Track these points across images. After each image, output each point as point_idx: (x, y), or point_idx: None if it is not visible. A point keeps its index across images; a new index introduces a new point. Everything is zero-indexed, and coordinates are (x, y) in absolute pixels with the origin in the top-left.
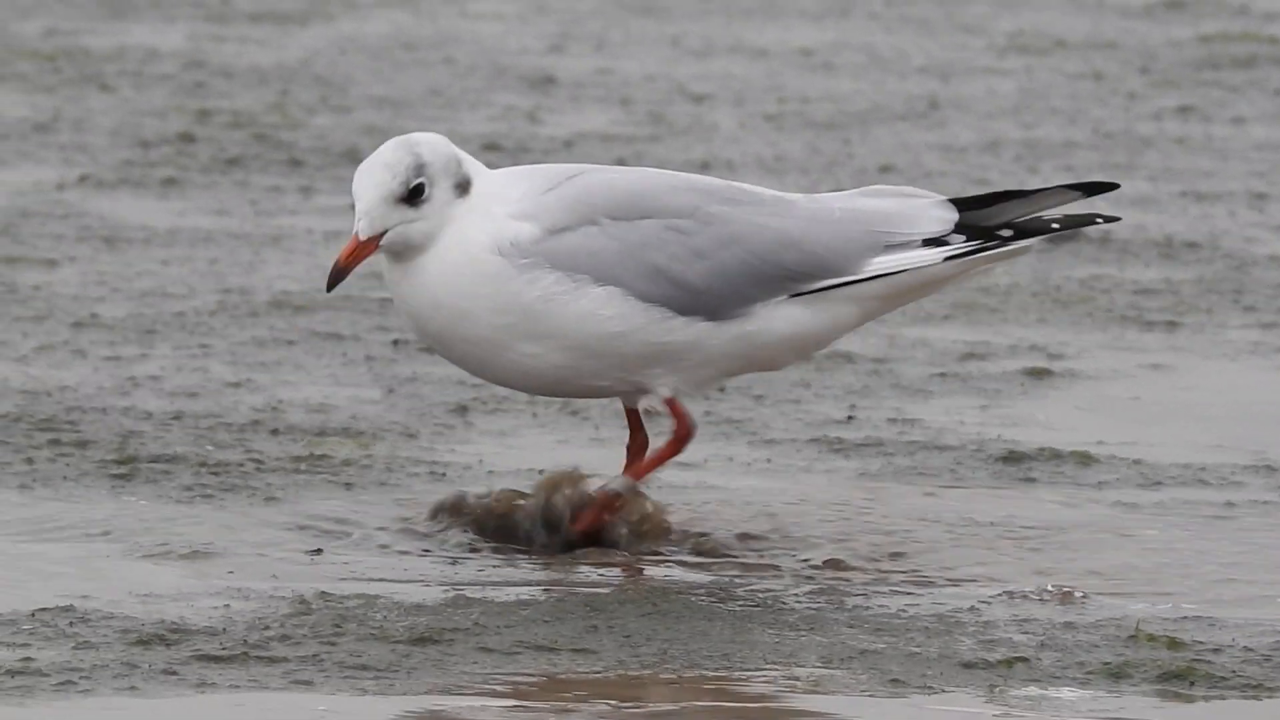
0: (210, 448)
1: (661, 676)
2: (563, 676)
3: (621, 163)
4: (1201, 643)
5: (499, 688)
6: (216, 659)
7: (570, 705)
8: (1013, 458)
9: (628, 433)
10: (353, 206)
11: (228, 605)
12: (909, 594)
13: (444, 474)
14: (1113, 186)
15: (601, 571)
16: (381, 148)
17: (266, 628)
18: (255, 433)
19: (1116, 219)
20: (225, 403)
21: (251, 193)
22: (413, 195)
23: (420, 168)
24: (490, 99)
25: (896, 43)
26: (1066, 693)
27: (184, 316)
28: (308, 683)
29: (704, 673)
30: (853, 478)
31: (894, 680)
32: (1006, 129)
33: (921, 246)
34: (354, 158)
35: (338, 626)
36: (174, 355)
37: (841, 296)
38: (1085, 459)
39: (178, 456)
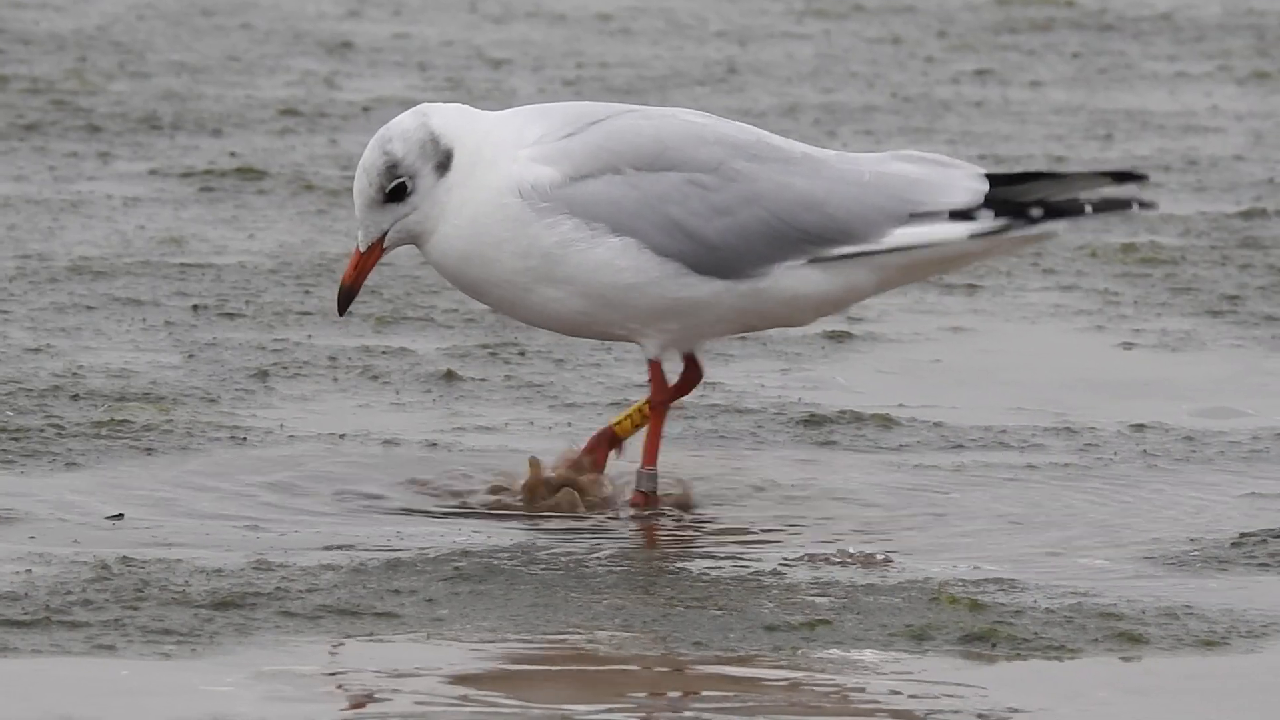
0: (10, 413)
1: (464, 639)
2: (366, 640)
3: None
4: (1003, 604)
5: (302, 651)
6: (18, 624)
7: (372, 668)
8: (814, 421)
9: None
10: None
11: (29, 570)
12: (711, 557)
13: (245, 438)
14: (1143, 178)
15: (403, 534)
16: (366, 148)
17: (68, 593)
18: (55, 398)
19: (1154, 205)
20: (25, 369)
21: (50, 159)
22: (396, 195)
23: (393, 167)
24: (288, 64)
25: (694, 8)
26: (869, 655)
27: None
28: (110, 647)
29: (506, 636)
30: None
31: (696, 643)
32: (805, 93)
33: (949, 219)
34: (152, 123)
35: (139, 591)
36: None
37: (860, 264)
38: (886, 422)
39: None
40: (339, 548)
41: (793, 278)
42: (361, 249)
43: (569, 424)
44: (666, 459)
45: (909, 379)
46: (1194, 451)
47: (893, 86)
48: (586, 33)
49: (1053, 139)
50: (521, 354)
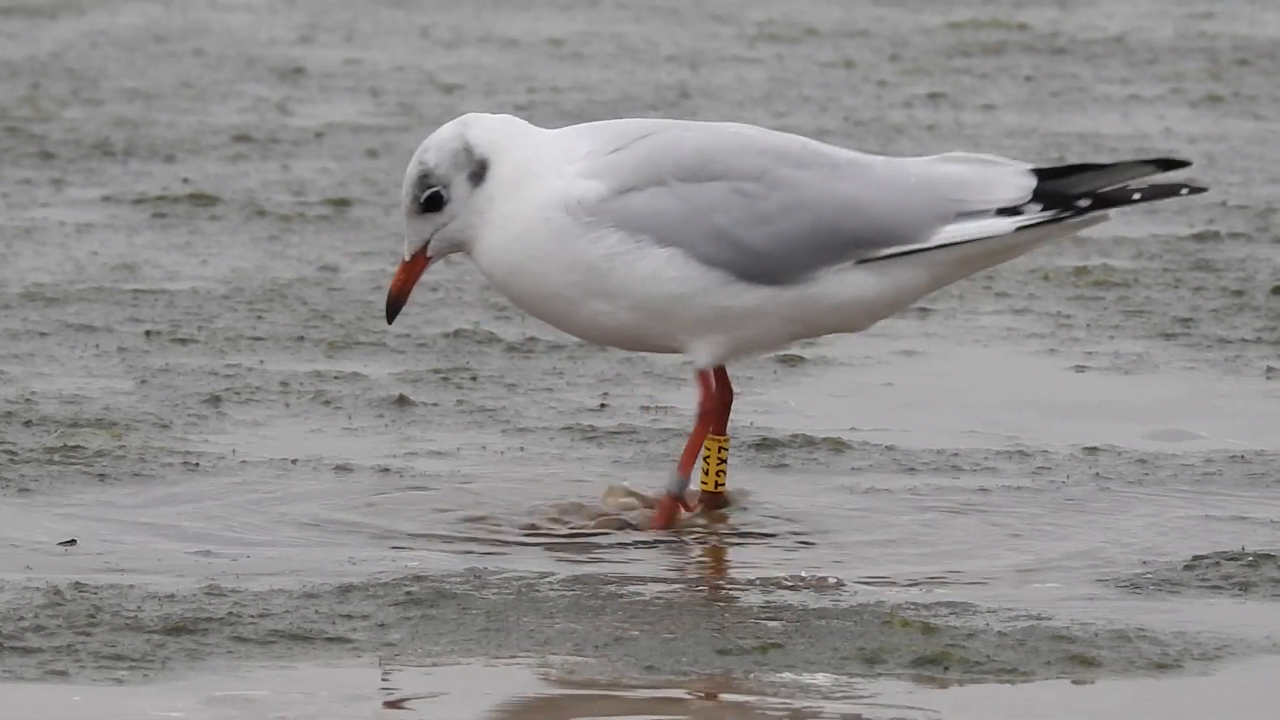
0: None
1: (416, 664)
2: (318, 664)
3: (372, 154)
4: (956, 627)
5: (254, 676)
6: None
7: (324, 693)
8: (766, 445)
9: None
10: None
11: None
12: (663, 581)
13: (197, 464)
14: (1185, 164)
15: (355, 559)
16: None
17: (20, 619)
18: (8, 424)
19: (1204, 189)
20: None
21: (3, 185)
22: (431, 204)
23: (426, 177)
24: (240, 90)
25: (646, 32)
26: (821, 678)
27: None
28: (62, 673)
29: (458, 660)
30: (606, 465)
31: (648, 667)
32: (758, 117)
33: (996, 215)
34: (105, 150)
35: (92, 617)
36: None
37: (909, 263)
38: (838, 445)
39: None
40: (291, 573)
41: (841, 282)
42: (406, 259)
43: (521, 448)
44: (623, 480)
45: (861, 403)
46: (1147, 474)
47: (845, 110)
48: (538, 57)
49: None
50: (473, 379)
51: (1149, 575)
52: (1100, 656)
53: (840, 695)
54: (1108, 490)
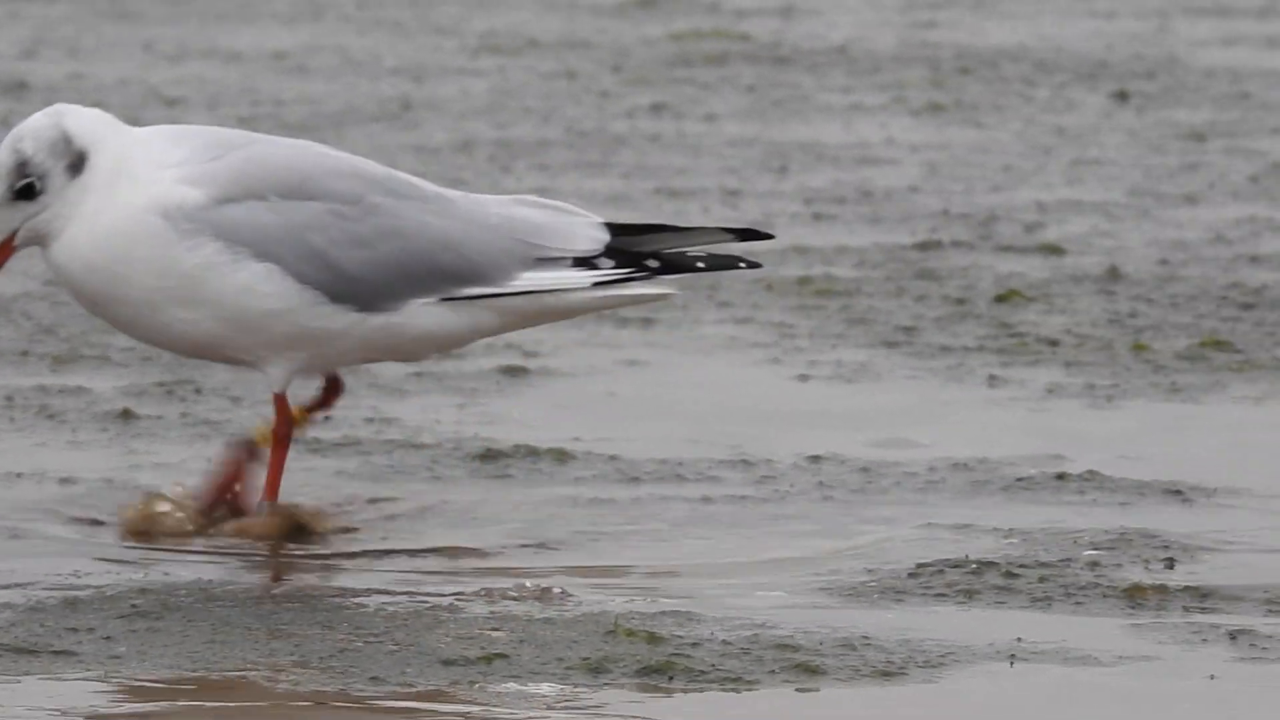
0: None
1: (140, 678)
2: (43, 678)
3: None
4: (680, 636)
5: None
6: None
7: (49, 706)
8: (490, 455)
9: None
10: None
11: None
12: (388, 592)
13: None
14: (768, 236)
15: (80, 572)
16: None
17: None
18: None
19: (758, 265)
20: None
21: None
22: (24, 193)
23: (23, 165)
24: None
25: (369, 45)
26: (546, 688)
27: None
28: None
29: (184, 673)
30: (329, 477)
31: (374, 678)
32: (480, 129)
33: (572, 266)
34: None
35: None
36: None
37: (487, 306)
38: (562, 455)
39: None
40: (15, 586)
41: (424, 315)
42: None
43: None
44: (345, 491)
45: (584, 412)
46: (870, 483)
47: (567, 121)
48: (262, 70)
49: (728, 172)
50: (198, 391)
51: (873, 583)
52: (825, 665)
53: (565, 705)
54: (831, 499)
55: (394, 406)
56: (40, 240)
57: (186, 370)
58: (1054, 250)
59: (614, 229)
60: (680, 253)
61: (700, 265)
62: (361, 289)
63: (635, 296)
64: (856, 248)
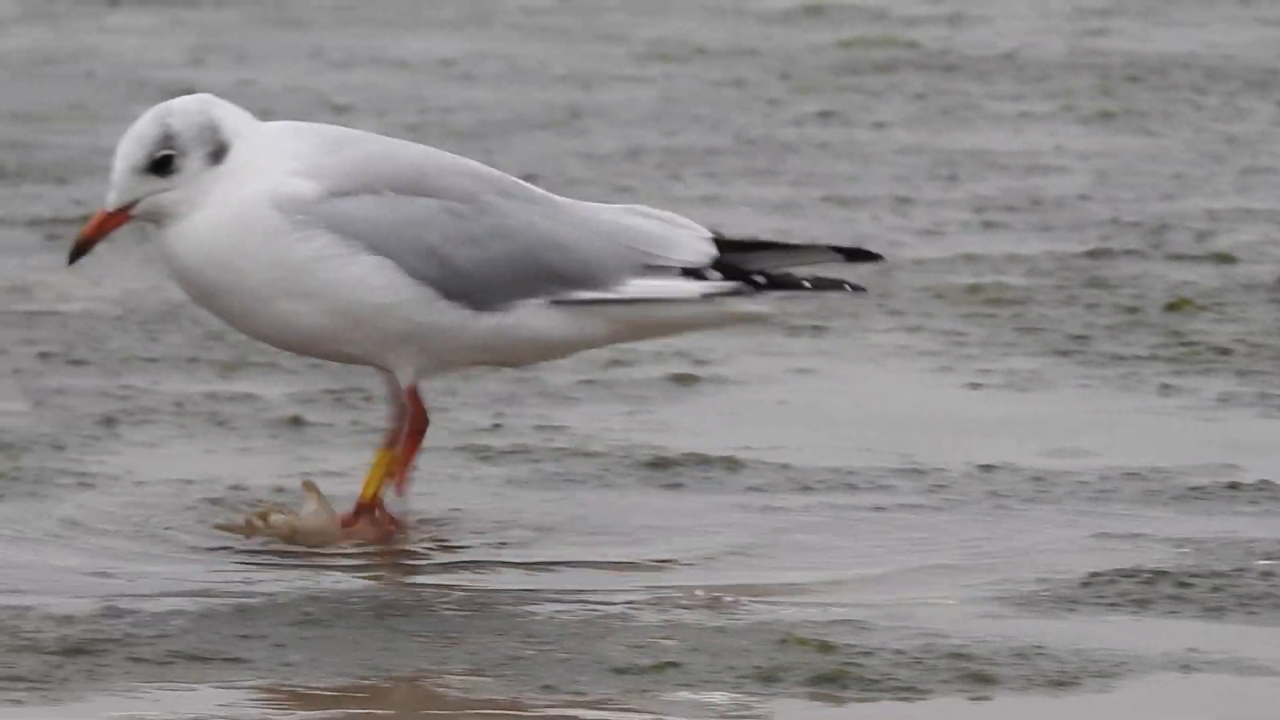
0: None
1: (313, 685)
2: (216, 686)
3: None
4: (853, 645)
5: (152, 697)
6: None
7: (222, 714)
8: (660, 463)
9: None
10: None
11: None
12: (559, 600)
13: (92, 484)
14: (878, 257)
15: (252, 580)
16: (141, 117)
17: None
18: None
19: (863, 289)
20: None
21: None
22: (160, 166)
23: (168, 139)
24: (132, 112)
25: (536, 52)
26: (718, 696)
27: None
28: None
29: (356, 680)
30: (500, 485)
31: (546, 686)
32: (648, 136)
33: (680, 275)
34: None
35: None
36: None
37: (597, 312)
38: (733, 464)
39: None
40: (188, 593)
41: (534, 317)
42: (109, 210)
43: (415, 468)
44: (516, 502)
45: (755, 421)
46: (1042, 492)
47: (736, 129)
48: (429, 78)
49: (897, 180)
50: (367, 399)
51: (1046, 592)
52: (998, 674)
53: (737, 714)
54: (1004, 508)
55: (563, 414)
56: (158, 218)
57: (356, 377)
58: (1225, 259)
59: (721, 244)
60: (787, 272)
61: (806, 285)
62: (473, 286)
63: (741, 314)
64: (1027, 256)
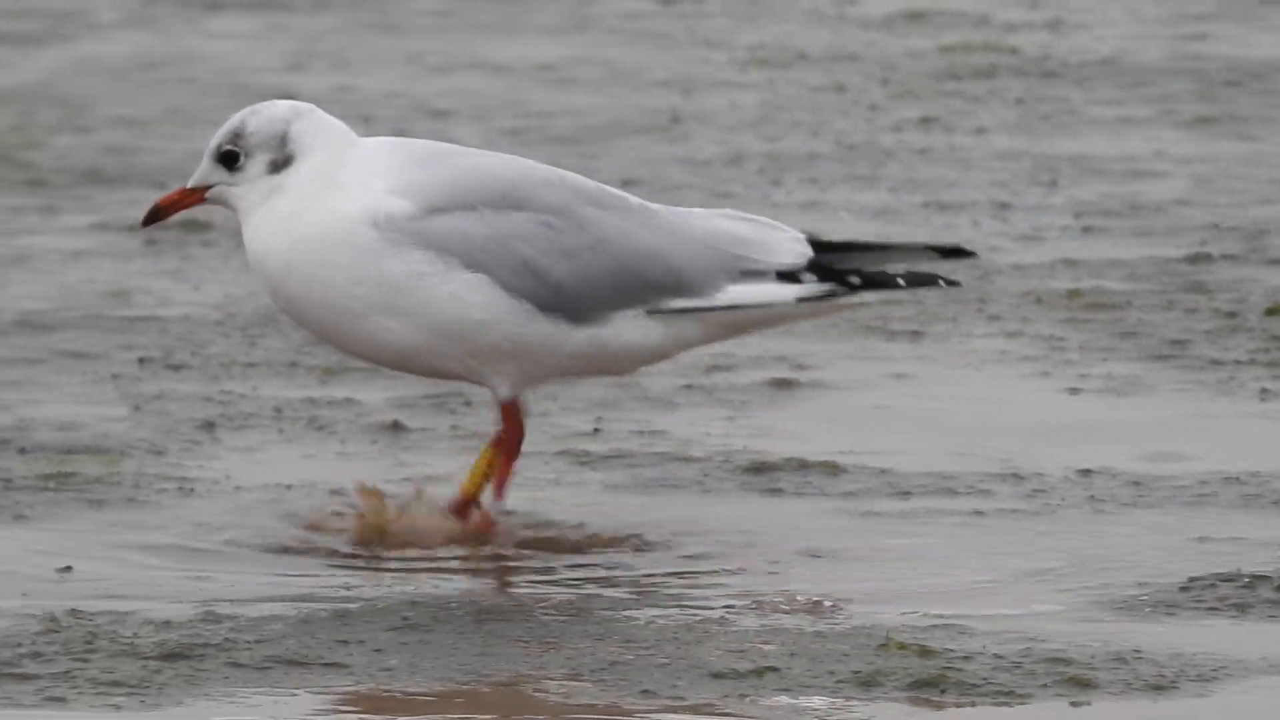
0: None
1: (411, 690)
2: (314, 691)
3: None
4: (952, 650)
5: (250, 702)
6: None
7: (320, 719)
8: (760, 468)
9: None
10: None
11: None
12: (658, 605)
13: (192, 489)
14: (971, 254)
15: (351, 585)
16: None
17: (18, 645)
18: (2, 452)
19: (958, 284)
20: None
21: None
22: (227, 159)
23: (237, 136)
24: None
25: (636, 57)
26: (817, 701)
27: None
28: (60, 699)
29: (454, 685)
30: (599, 490)
31: (644, 691)
32: (749, 142)
33: (776, 279)
34: (96, 178)
35: (89, 643)
36: None
37: (693, 319)
38: (832, 469)
39: None
40: (287, 598)
41: (631, 327)
42: (189, 186)
43: (512, 475)
44: (615, 507)
45: (854, 426)
46: (1141, 496)
47: (836, 134)
48: (528, 83)
49: (997, 185)
50: (467, 404)
51: (1145, 597)
52: (1097, 678)
53: (836, 719)
54: (1102, 512)
55: (663, 419)
56: (230, 208)
57: (455, 383)
58: None
59: (816, 245)
60: (881, 270)
61: (900, 282)
62: (569, 300)
63: (839, 304)
64: (1126, 261)
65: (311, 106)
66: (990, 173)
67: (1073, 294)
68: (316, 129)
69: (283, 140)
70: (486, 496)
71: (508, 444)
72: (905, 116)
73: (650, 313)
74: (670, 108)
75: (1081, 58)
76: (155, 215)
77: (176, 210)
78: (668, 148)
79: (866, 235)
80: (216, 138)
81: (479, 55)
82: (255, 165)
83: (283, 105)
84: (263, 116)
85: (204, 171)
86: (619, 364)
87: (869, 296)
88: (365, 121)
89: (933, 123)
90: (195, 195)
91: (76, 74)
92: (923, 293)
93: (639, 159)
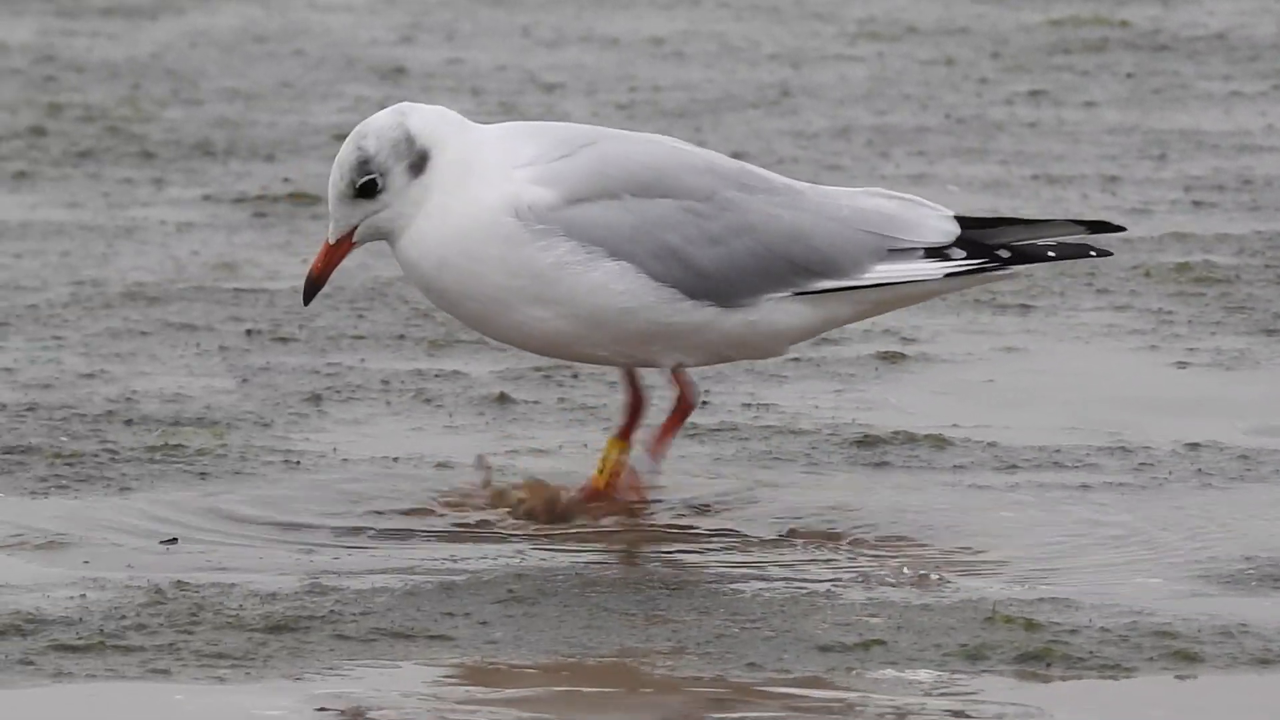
0: (65, 439)
1: (517, 663)
2: (420, 663)
3: None
4: (1058, 624)
5: (355, 674)
6: (73, 649)
7: (426, 691)
8: (867, 442)
9: (624, 393)
10: None
11: (84, 595)
12: (764, 578)
13: (298, 462)
14: (1119, 228)
15: (456, 557)
16: (345, 142)
17: (123, 617)
18: (110, 423)
19: (1109, 253)
20: (79, 394)
21: (104, 185)
22: (366, 191)
23: (365, 163)
24: (341, 90)
25: (747, 31)
26: (924, 675)
27: (37, 309)
28: (164, 671)
29: (560, 658)
30: (706, 463)
31: (750, 664)
32: (858, 115)
33: (923, 257)
34: (205, 150)
35: (193, 615)
36: (27, 347)
37: (841, 298)
38: (940, 442)
39: (32, 448)
40: (393, 571)
41: (779, 310)
42: (330, 241)
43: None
44: (723, 480)
45: (962, 399)
46: (1249, 470)
47: (946, 108)
48: (639, 56)
49: (1106, 159)
50: (575, 377)
51: (1252, 570)
52: (1203, 652)
53: (943, 692)
54: (1210, 486)
55: (771, 392)
56: (383, 236)
57: None
58: None
59: (963, 222)
60: (1030, 243)
61: (1051, 254)
62: (716, 285)
63: (986, 278)
64: (1236, 235)
65: (407, 104)
66: (1100, 146)
67: (1181, 268)
68: (431, 119)
69: (410, 141)
70: (636, 456)
71: (677, 410)
72: (1015, 90)
73: (798, 294)
74: (780, 81)
75: (1193, 32)
76: (312, 286)
77: (331, 270)
78: (777, 121)
79: (976, 209)
80: (340, 182)
81: (590, 28)
82: (397, 177)
83: (383, 113)
84: (376, 131)
85: (341, 217)
86: (770, 345)
87: (1020, 269)
88: (474, 94)
89: (1042, 96)
90: (344, 245)
91: (187, 47)
92: (1100, 262)
93: (749, 132)
